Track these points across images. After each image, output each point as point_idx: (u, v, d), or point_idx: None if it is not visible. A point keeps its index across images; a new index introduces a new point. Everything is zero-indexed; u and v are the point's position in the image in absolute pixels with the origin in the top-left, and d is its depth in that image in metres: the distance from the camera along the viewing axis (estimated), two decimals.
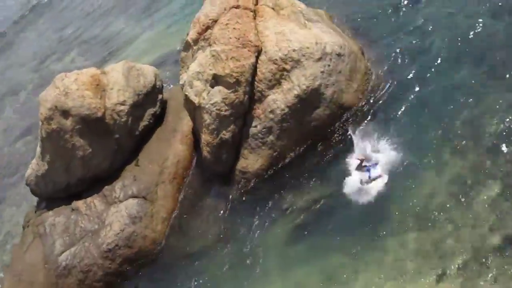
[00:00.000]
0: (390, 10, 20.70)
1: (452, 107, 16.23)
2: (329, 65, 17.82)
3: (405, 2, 20.53)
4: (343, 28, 20.90)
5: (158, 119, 21.07)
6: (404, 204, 14.77)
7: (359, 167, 16.23)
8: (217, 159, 18.59)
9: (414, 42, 18.82)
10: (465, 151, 14.93)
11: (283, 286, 15.21)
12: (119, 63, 21.17)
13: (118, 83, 20.07)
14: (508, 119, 14.89)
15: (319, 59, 17.74)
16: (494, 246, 12.71)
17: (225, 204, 18.32)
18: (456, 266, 12.85)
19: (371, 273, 13.97)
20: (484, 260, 12.62)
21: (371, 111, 17.67)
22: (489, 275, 12.35)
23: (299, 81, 17.62)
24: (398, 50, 18.83)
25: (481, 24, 17.87)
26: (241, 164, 18.38)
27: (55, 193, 20.51)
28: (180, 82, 19.66)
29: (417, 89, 17.44)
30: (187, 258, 17.85)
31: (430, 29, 18.90)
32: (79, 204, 19.63)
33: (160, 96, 21.25)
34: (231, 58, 18.04)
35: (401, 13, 20.31)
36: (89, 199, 19.64)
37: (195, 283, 17.01)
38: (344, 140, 17.37)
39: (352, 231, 15.23)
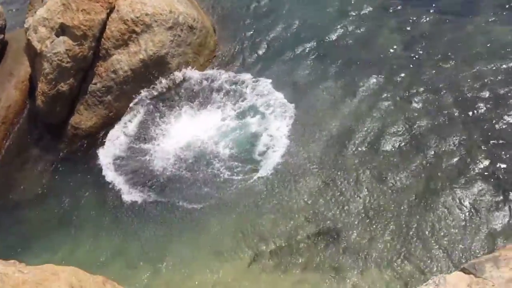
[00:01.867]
0: None
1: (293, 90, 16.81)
2: (179, 36, 17.83)
3: None
4: (200, 2, 20.91)
5: None
6: None
7: None
8: (51, 110, 18.07)
9: (266, 26, 19.12)
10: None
11: (92, 248, 15.04)
12: None
13: None
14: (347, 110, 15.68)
15: (170, 28, 17.71)
16: (308, 235, 13.31)
17: (52, 158, 17.85)
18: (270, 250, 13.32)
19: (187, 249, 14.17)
20: (297, 247, 13.21)
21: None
22: (300, 261, 12.93)
23: (146, 46, 17.50)
24: (248, 33, 19.06)
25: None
26: (75, 119, 18.01)
27: None
28: (25, 25, 18.81)
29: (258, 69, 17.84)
30: (2, 203, 17.14)
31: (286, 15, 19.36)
32: None
33: (1, 36, 20.20)
34: (81, 10, 17.55)
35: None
36: None
37: (7, 225, 16.42)
38: None
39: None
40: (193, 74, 17.74)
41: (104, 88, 17.61)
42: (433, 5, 18.06)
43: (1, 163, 18.25)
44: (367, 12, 18.49)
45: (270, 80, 17.18)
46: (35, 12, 18.69)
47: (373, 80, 16.18)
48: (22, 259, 9.56)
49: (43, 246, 15.31)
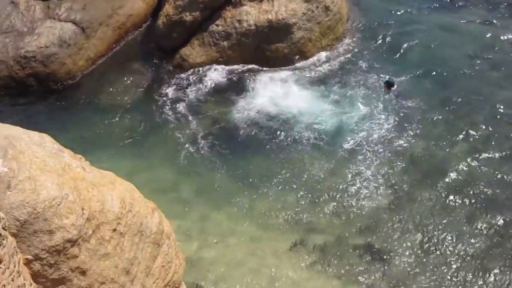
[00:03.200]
0: None
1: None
2: (313, 11, 17.68)
3: None
4: None
5: None
6: None
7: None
8: (168, 34, 18.32)
9: (398, 36, 18.74)
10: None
11: (157, 174, 15.23)
12: None
13: None
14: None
15: (308, 1, 17.65)
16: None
17: (151, 77, 18.16)
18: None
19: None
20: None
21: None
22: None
23: (279, 9, 17.45)
24: (378, 35, 18.73)
25: None
26: (186, 51, 18.19)
27: None
28: None
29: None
30: (90, 102, 17.62)
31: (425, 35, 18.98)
32: (21, 1, 18.90)
33: None
34: None
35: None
36: (32, 2, 18.93)
37: (86, 125, 16.82)
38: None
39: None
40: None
41: (224, 33, 17.68)
42: None
43: (103, 64, 18.55)
44: None
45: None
46: None
47: None
48: (89, 158, 9.68)
49: (113, 153, 15.68)
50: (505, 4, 20.19)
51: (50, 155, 8.27)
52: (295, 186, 14.48)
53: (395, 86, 16.68)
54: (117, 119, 16.89)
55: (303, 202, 14.13)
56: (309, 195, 14.25)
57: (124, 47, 19.17)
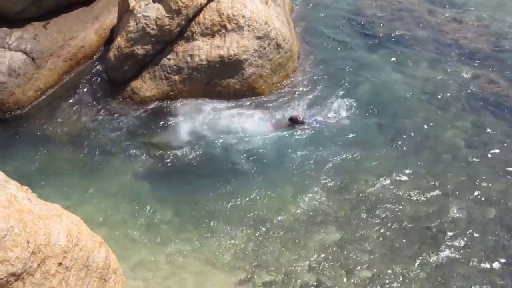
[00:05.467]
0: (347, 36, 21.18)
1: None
2: (264, 48, 17.94)
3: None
4: (297, 25, 21.10)
5: (89, 0, 20.32)
6: None
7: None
8: (119, 67, 18.30)
9: (349, 78, 19.24)
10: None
11: (104, 205, 15.09)
12: None
13: None
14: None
15: (259, 38, 17.85)
16: None
17: (101, 109, 18.05)
18: None
19: None
20: None
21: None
22: None
23: (230, 45, 17.67)
24: (327, 75, 19.19)
25: None
26: (136, 84, 18.21)
27: None
28: None
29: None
30: (38, 133, 17.38)
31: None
32: None
33: None
34: None
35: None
36: None
37: (32, 155, 16.58)
38: None
39: None
40: None
41: (175, 67, 17.81)
42: None
43: (53, 95, 18.43)
44: None
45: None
46: None
47: None
48: (35, 190, 9.58)
49: (59, 185, 15.46)
50: (453, 45, 20.83)
51: None
52: (244, 220, 14.48)
53: (301, 121, 17.05)
54: (64, 150, 16.71)
55: (251, 237, 14.11)
56: (257, 230, 14.25)
57: (74, 78, 19.06)
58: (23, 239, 7.78)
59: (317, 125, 17.15)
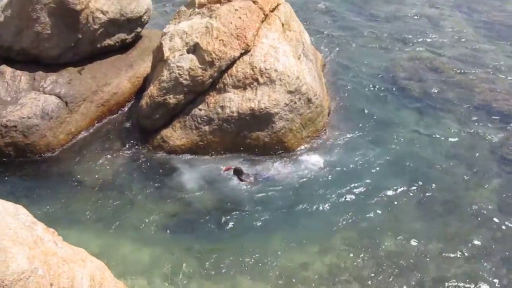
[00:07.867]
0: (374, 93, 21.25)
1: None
2: (295, 102, 17.98)
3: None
4: (328, 81, 21.22)
5: (124, 48, 20.75)
6: None
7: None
8: (150, 115, 18.44)
9: (379, 139, 19.20)
10: None
11: (129, 252, 15.02)
12: None
13: None
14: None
15: (291, 92, 17.89)
16: None
17: (130, 156, 18.16)
18: None
19: None
20: None
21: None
22: None
23: (261, 98, 17.72)
24: (358, 134, 19.18)
25: None
26: (167, 132, 18.31)
27: None
28: (164, 30, 19.50)
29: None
30: (66, 177, 17.47)
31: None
32: (8, 70, 19.07)
33: (139, 29, 20.99)
34: (220, 40, 18.07)
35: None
36: (19, 72, 19.07)
37: (60, 198, 16.63)
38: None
39: None
40: None
41: (206, 117, 17.89)
42: None
43: (83, 139, 18.61)
44: None
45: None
46: (179, 22, 19.36)
47: None
48: (61, 233, 9.57)
49: (85, 229, 15.47)
50: (484, 107, 20.73)
51: (23, 227, 8.20)
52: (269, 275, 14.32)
53: (244, 175, 16.99)
54: (92, 195, 16.73)
55: None
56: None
57: (105, 124, 19.30)
58: (47, 281, 7.74)
59: (263, 182, 17.08)
